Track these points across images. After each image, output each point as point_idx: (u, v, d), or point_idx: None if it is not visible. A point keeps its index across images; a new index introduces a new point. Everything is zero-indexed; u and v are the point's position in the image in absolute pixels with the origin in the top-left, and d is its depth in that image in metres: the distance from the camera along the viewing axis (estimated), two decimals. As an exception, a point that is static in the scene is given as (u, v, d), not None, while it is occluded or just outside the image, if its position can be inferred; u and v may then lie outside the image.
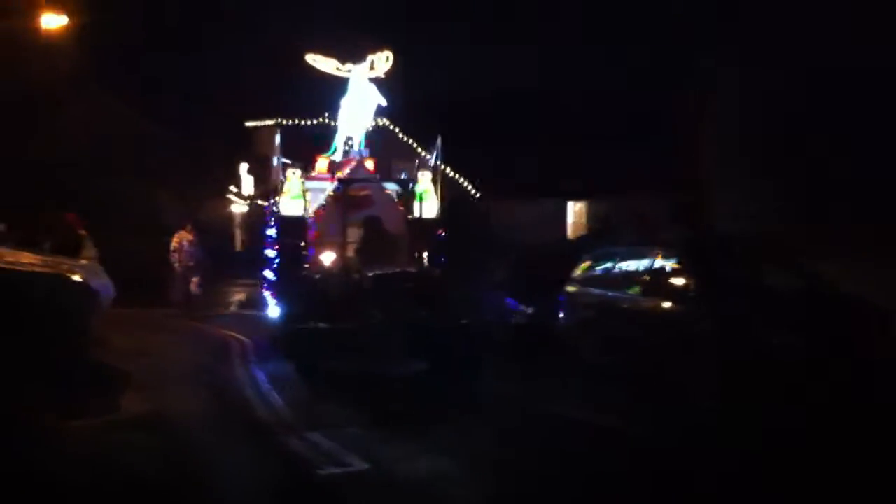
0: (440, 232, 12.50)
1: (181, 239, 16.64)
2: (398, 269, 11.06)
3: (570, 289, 10.86)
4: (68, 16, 17.81)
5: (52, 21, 17.71)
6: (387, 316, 9.82)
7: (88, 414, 7.76)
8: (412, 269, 11.43)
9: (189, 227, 16.94)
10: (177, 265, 16.60)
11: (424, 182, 12.82)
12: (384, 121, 14.06)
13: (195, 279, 16.93)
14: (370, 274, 10.59)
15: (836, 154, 15.36)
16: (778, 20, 16.44)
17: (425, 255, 12.41)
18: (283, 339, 11.38)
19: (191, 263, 16.68)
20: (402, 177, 13.48)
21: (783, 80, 16.44)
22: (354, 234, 12.05)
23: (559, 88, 21.69)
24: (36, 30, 17.79)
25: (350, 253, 12.04)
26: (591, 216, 23.52)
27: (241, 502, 6.12)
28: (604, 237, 13.69)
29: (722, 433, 7.40)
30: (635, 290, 9.59)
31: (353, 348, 9.74)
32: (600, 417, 8.15)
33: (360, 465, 6.62)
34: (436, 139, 13.01)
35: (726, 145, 18.55)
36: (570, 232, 23.42)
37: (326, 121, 14.17)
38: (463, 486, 6.23)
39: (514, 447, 7.20)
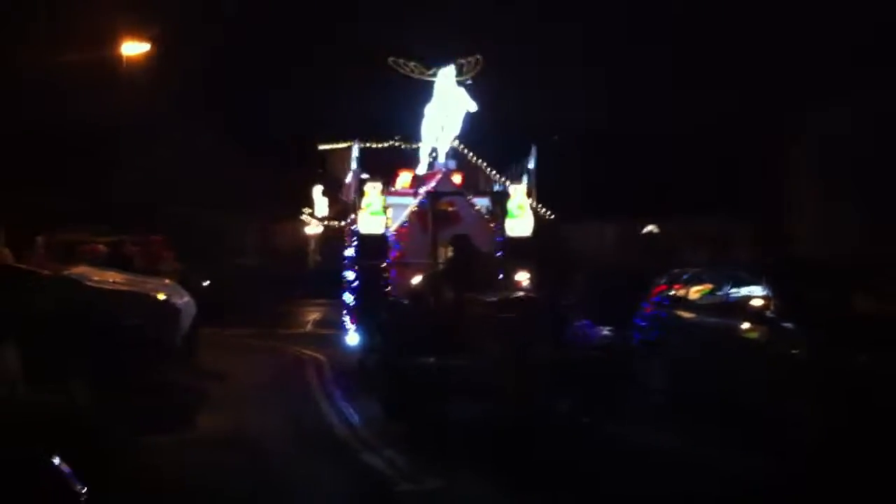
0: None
1: None
2: (520, 295, 9.80)
3: (647, 310, 10.65)
4: (149, 43, 18.41)
5: (134, 49, 18.33)
6: (510, 349, 8.35)
7: (167, 430, 7.98)
8: (533, 295, 9.97)
9: None
10: None
11: (518, 197, 11.71)
12: (461, 145, 13.29)
13: None
14: (488, 300, 9.14)
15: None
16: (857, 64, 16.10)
17: (524, 277, 11.05)
18: (380, 376, 9.74)
19: None
20: (496, 188, 12.41)
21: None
22: (444, 254, 11.05)
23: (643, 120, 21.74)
24: (119, 60, 18.44)
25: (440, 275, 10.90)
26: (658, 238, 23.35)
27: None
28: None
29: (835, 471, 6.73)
30: (717, 312, 9.30)
31: (475, 389, 8.37)
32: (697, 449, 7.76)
33: (434, 482, 6.65)
34: (530, 148, 11.99)
35: (801, 171, 18.17)
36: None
37: (398, 144, 13.70)
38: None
39: (591, 469, 7.08)
